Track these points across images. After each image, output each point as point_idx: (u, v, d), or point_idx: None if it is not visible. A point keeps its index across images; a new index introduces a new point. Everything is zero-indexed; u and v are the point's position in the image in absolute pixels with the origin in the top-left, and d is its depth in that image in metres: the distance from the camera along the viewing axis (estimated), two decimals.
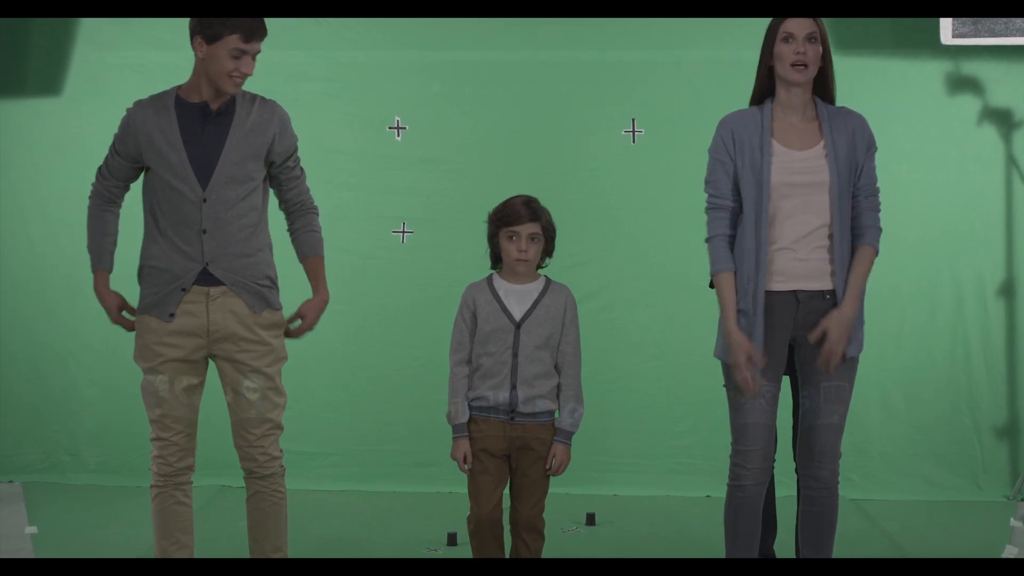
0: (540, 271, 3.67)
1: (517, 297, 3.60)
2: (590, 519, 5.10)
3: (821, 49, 3.41)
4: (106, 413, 5.74)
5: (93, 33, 5.79)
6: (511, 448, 3.58)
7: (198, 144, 3.49)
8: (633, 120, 5.74)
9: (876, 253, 3.48)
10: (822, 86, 3.47)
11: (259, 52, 3.45)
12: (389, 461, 5.73)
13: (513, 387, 3.55)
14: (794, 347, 3.51)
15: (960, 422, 5.75)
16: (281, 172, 3.65)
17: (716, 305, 3.48)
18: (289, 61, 5.70)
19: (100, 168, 3.68)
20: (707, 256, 3.54)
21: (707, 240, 3.49)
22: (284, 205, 3.73)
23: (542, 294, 3.61)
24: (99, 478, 5.76)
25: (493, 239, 3.62)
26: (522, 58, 5.75)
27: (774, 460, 3.60)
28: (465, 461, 3.58)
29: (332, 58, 5.79)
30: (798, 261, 3.42)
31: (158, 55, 5.68)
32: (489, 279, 3.67)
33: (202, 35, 3.43)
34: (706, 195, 3.51)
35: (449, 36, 5.70)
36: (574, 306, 3.65)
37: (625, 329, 5.73)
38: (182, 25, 3.58)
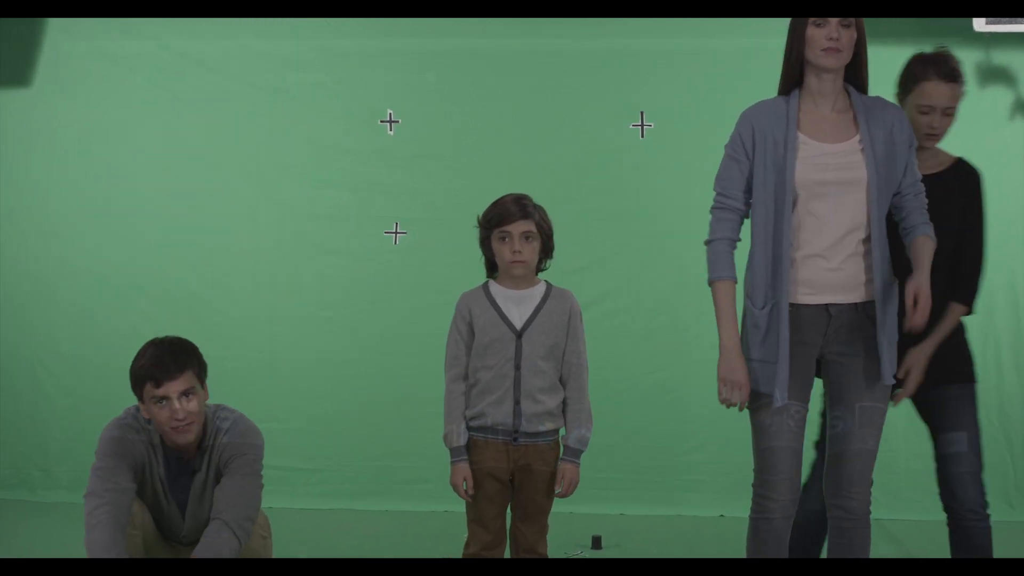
0: (540, 275, 3.50)
1: (516, 303, 3.42)
2: (596, 543, 4.93)
3: (856, 35, 3.17)
4: (79, 425, 5.54)
5: (64, 21, 5.66)
6: (514, 469, 3.41)
7: (179, 493, 3.42)
8: (642, 113, 5.60)
9: (935, 244, 3.23)
10: (854, 74, 3.21)
11: (189, 388, 3.26)
12: (381, 478, 5.61)
13: (516, 402, 3.36)
14: (822, 363, 3.29)
15: (991, 436, 5.49)
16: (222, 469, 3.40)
17: None
18: (274, 50, 5.66)
19: (91, 516, 3.30)
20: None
21: (707, 243, 3.26)
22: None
23: (544, 299, 3.44)
24: (72, 495, 5.45)
25: (485, 243, 3.44)
26: (523, 47, 5.63)
27: (801, 488, 3.30)
28: (465, 487, 3.40)
29: (320, 47, 5.67)
30: (830, 271, 3.15)
31: (134, 44, 5.63)
32: (485, 286, 3.49)
33: (136, 395, 3.31)
34: (714, 193, 3.28)
35: (445, 24, 5.55)
36: (579, 313, 3.48)
37: (632, 337, 5.59)
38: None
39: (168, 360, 3.23)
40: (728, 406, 3.19)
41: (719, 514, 5.39)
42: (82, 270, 5.68)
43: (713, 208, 3.25)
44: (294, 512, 5.28)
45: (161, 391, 3.21)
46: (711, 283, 3.23)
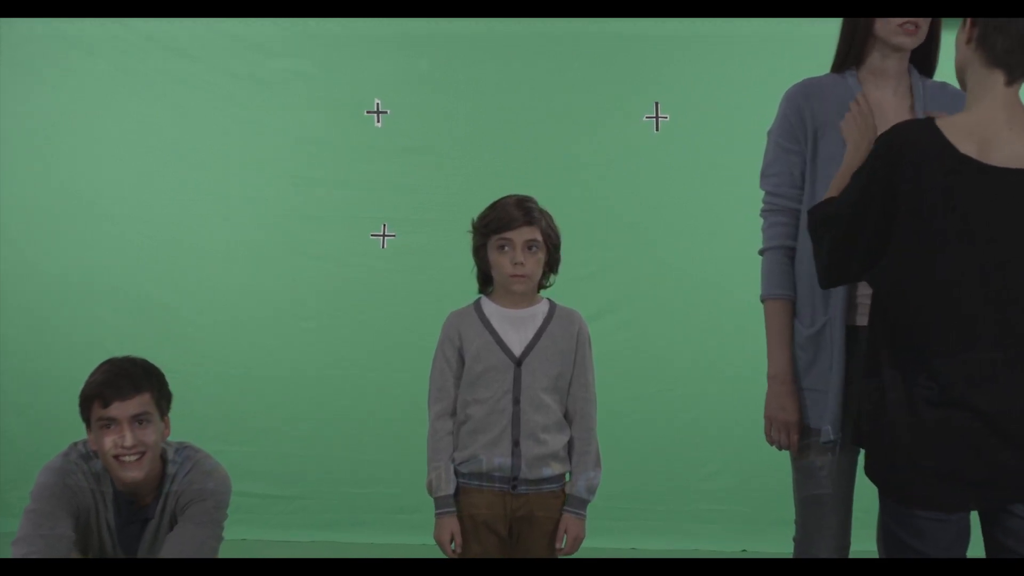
0: (543, 292, 3.23)
1: (515, 325, 3.14)
2: None
3: None
4: (33, 447, 5.21)
5: None
6: (512, 519, 3.15)
7: (128, 543, 3.15)
8: (656, 104, 5.48)
9: None
10: (923, 55, 2.99)
11: (143, 413, 2.98)
12: (367, 506, 5.48)
13: (515, 443, 3.08)
14: None
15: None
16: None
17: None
18: (250, 33, 5.53)
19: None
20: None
21: (761, 252, 3.00)
22: None
23: (547, 321, 3.16)
24: None
25: (480, 252, 3.15)
26: (524, 30, 5.49)
27: (850, 542, 3.00)
28: (453, 544, 3.14)
29: (302, 30, 5.55)
30: None
31: (95, 25, 5.47)
32: (477, 304, 3.20)
33: (84, 422, 3.04)
34: (762, 192, 3.01)
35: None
36: (588, 338, 3.21)
37: (644, 351, 5.46)
38: None
39: (121, 378, 2.98)
40: (779, 448, 2.90)
41: (741, 549, 5.18)
42: (36, 273, 5.53)
43: (764, 211, 2.99)
44: (269, 544, 5.17)
45: (109, 412, 2.94)
46: (762, 300, 2.95)
